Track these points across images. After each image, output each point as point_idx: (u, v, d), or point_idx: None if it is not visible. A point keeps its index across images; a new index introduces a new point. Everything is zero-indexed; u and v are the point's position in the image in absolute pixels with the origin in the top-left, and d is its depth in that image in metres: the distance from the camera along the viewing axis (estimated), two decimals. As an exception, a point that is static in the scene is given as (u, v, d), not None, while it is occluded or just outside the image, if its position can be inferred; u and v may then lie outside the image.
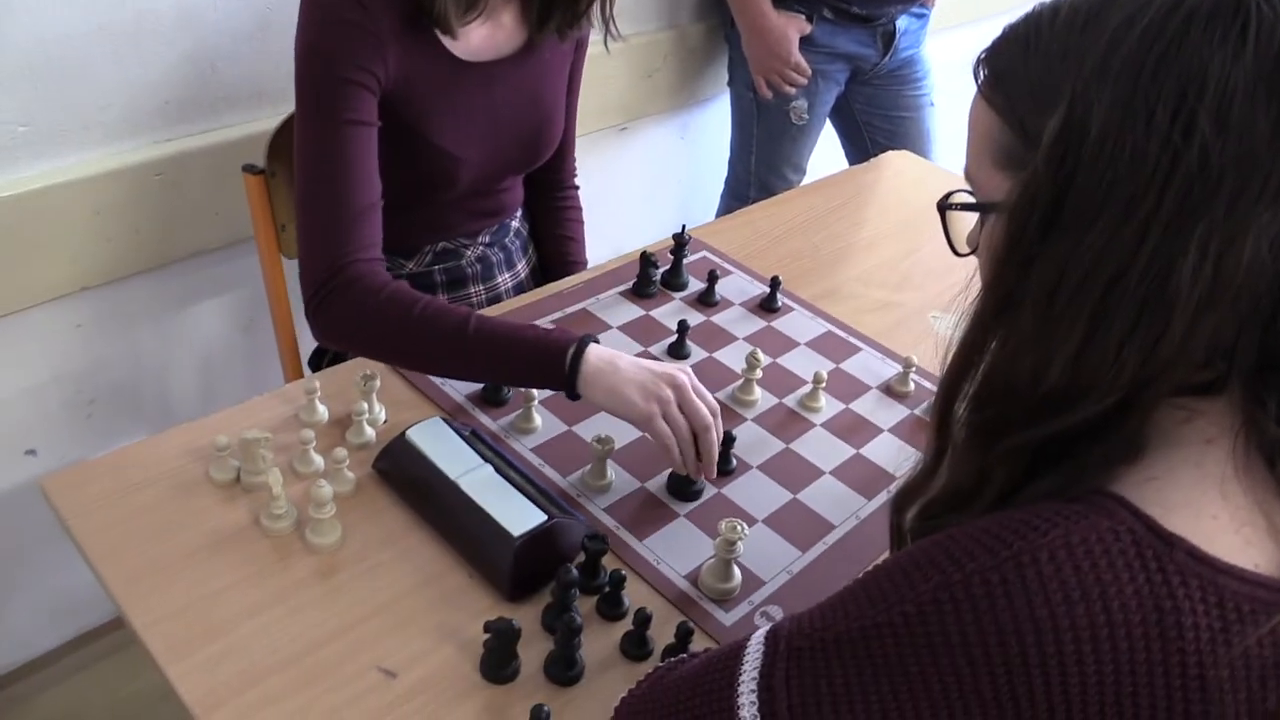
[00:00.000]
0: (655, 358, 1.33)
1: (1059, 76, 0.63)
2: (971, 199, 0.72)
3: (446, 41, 1.25)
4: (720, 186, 2.53)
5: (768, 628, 0.72)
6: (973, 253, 0.74)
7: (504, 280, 1.52)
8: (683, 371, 1.09)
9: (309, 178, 1.20)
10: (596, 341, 1.12)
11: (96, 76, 1.39)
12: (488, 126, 1.33)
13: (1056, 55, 0.64)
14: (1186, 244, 0.59)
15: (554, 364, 1.09)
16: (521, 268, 1.56)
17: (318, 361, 1.55)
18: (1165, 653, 0.57)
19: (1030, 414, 0.65)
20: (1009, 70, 0.68)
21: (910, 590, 0.63)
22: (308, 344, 1.58)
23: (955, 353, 0.70)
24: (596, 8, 1.30)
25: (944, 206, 0.75)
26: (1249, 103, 0.58)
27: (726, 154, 2.44)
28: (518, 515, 1.00)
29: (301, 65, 1.20)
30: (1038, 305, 0.63)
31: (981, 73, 0.70)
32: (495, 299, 1.49)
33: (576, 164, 1.58)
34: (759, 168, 2.37)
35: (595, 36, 1.40)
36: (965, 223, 0.75)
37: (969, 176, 0.72)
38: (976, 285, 0.70)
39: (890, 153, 2.04)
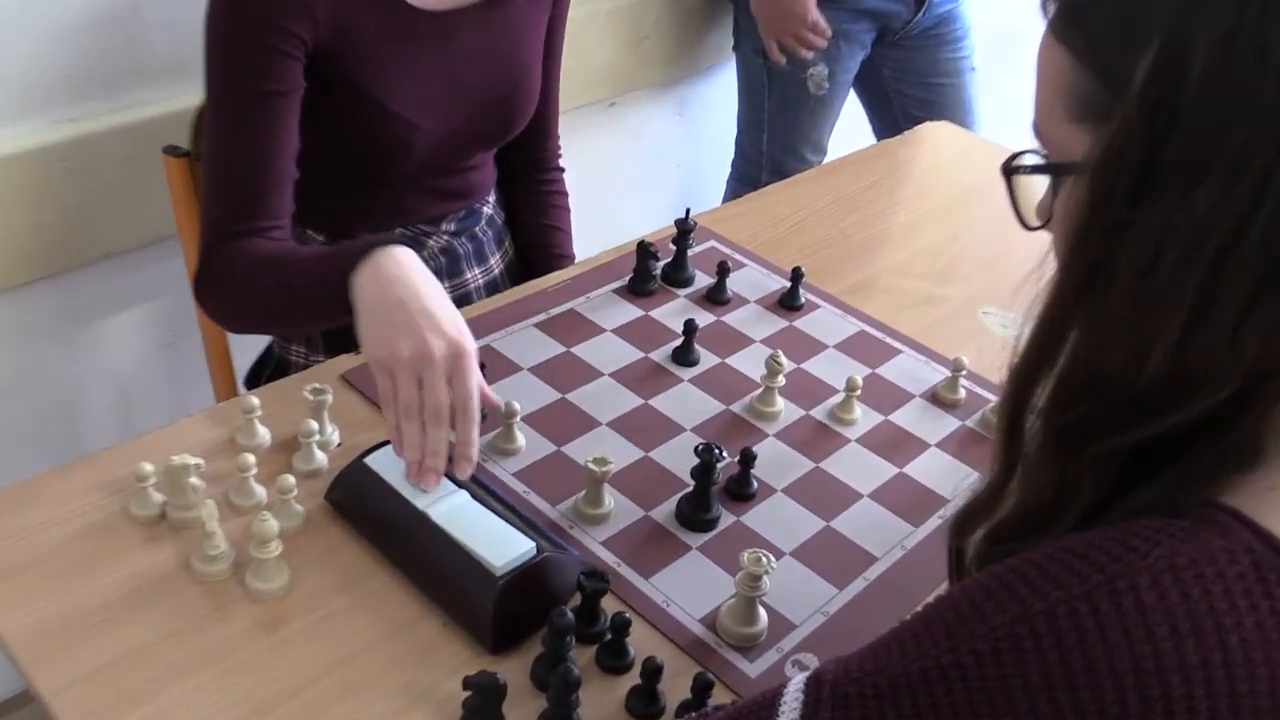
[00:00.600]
0: (658, 365, 1.33)
1: (1149, 7, 0.61)
2: (1043, 160, 0.71)
3: None
4: (725, 171, 2.53)
5: (808, 673, 0.70)
6: (1045, 225, 0.73)
7: (473, 277, 1.51)
8: (474, 353, 1.05)
9: (211, 146, 1.23)
10: (419, 249, 1.13)
11: (-12, 44, 1.38)
12: (448, 88, 1.32)
13: None
14: None
15: (340, 270, 1.10)
16: (495, 262, 1.55)
17: (256, 381, 1.53)
18: None
19: (1123, 414, 0.64)
20: (1086, 2, 0.66)
21: (982, 624, 0.61)
22: (244, 359, 1.57)
23: (1028, 344, 0.69)
24: None
25: (1010, 170, 0.73)
26: None
27: (732, 133, 2.44)
28: (500, 549, 0.99)
29: (210, 21, 1.21)
30: (1131, 283, 0.61)
31: (1050, 7, 0.69)
32: (463, 299, 1.49)
33: (560, 144, 1.58)
34: (772, 148, 2.38)
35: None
36: (1036, 190, 0.74)
37: (1039, 133, 0.71)
38: (1050, 266, 0.69)
39: (928, 124, 2.04)
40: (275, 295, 1.20)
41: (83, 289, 1.61)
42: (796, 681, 0.70)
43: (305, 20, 1.19)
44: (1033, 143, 0.72)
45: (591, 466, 1.09)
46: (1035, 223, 0.74)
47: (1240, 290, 0.59)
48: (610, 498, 1.12)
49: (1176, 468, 0.64)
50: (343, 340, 1.28)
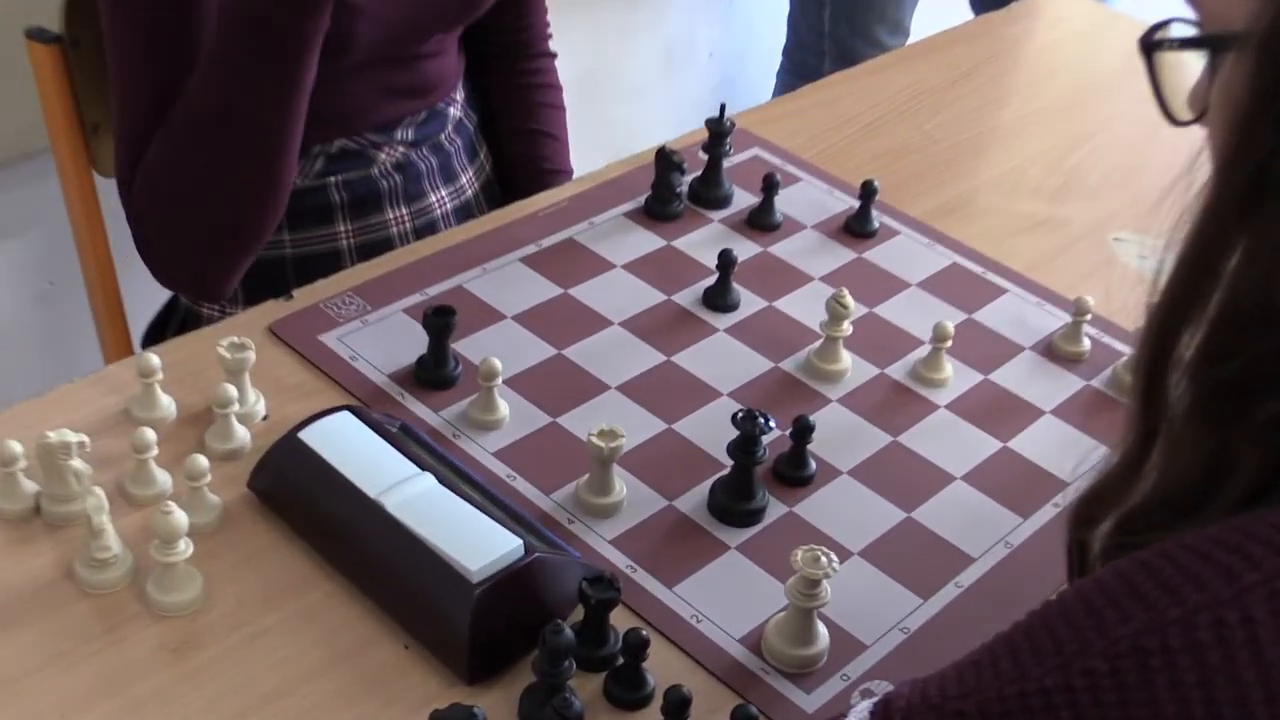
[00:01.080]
0: (685, 311, 1.34)
1: None
2: (1195, 32, 0.71)
3: None
4: (774, 61, 2.54)
5: (876, 698, 0.72)
6: (1199, 119, 0.74)
7: (440, 200, 1.53)
8: None
9: (119, 55, 1.26)
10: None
11: None
12: None
13: None
14: None
15: None
16: (467, 180, 1.57)
17: (158, 339, 1.55)
18: None
19: None
20: None
21: (1100, 636, 0.63)
22: (141, 310, 1.59)
23: (1173, 275, 0.70)
24: None
25: (1151, 45, 0.74)
26: None
27: (783, 10, 2.45)
28: (478, 548, 1.00)
29: None
30: None
31: None
32: (427, 227, 1.50)
33: (550, 22, 1.59)
34: (836, 27, 2.38)
35: None
36: (1186, 72, 0.75)
37: None
38: (1204, 170, 0.69)
39: (1041, -8, 2.05)
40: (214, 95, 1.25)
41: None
42: (860, 710, 0.72)
43: None
44: (1182, 8, 0.73)
45: (596, 441, 1.10)
46: (1186, 115, 0.75)
47: None
48: (621, 482, 1.14)
49: None
50: (268, 283, 1.30)
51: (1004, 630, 0.69)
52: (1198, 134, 0.73)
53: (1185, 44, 0.72)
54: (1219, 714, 0.59)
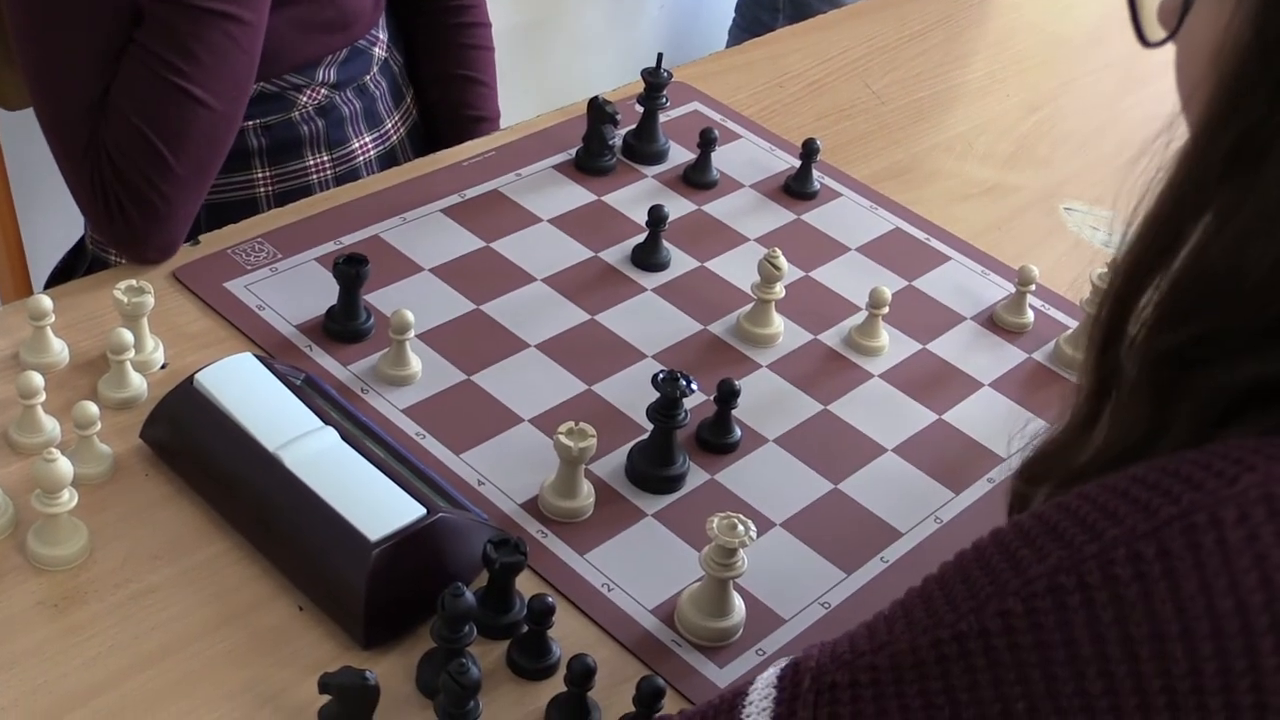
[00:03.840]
0: (612, 268, 1.34)
1: None
2: None
3: None
4: (728, 15, 2.54)
5: (784, 662, 0.72)
6: (1170, 38, 0.73)
7: (362, 146, 1.53)
8: None
9: (46, 17, 1.23)
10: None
11: None
12: None
13: None
14: None
15: None
16: (392, 126, 1.57)
17: (66, 279, 1.54)
18: None
19: (1256, 336, 0.65)
20: None
21: (1016, 576, 0.63)
22: (43, 251, 1.58)
23: (1141, 231, 0.70)
24: None
25: None
26: None
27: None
28: (378, 508, 1.00)
29: None
30: None
31: None
32: (349, 174, 1.50)
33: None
34: (792, -21, 2.38)
35: None
36: None
37: None
38: (1181, 127, 0.70)
39: (1005, -52, 2.05)
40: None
41: None
42: (768, 675, 0.72)
43: None
44: None
45: (564, 441, 1.08)
46: (1158, 35, 0.74)
47: None
48: (589, 485, 1.12)
49: None
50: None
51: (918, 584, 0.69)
52: (1155, 105, 0.72)
53: None
54: (1134, 651, 0.59)
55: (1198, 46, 0.70)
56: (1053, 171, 1.57)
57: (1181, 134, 0.69)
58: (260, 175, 1.46)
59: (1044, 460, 0.79)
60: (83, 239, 1.54)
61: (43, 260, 1.59)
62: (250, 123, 1.43)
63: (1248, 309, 0.65)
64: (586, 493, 1.11)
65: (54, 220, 1.42)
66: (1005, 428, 1.22)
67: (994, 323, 1.35)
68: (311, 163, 1.49)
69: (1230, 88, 0.65)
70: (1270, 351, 0.65)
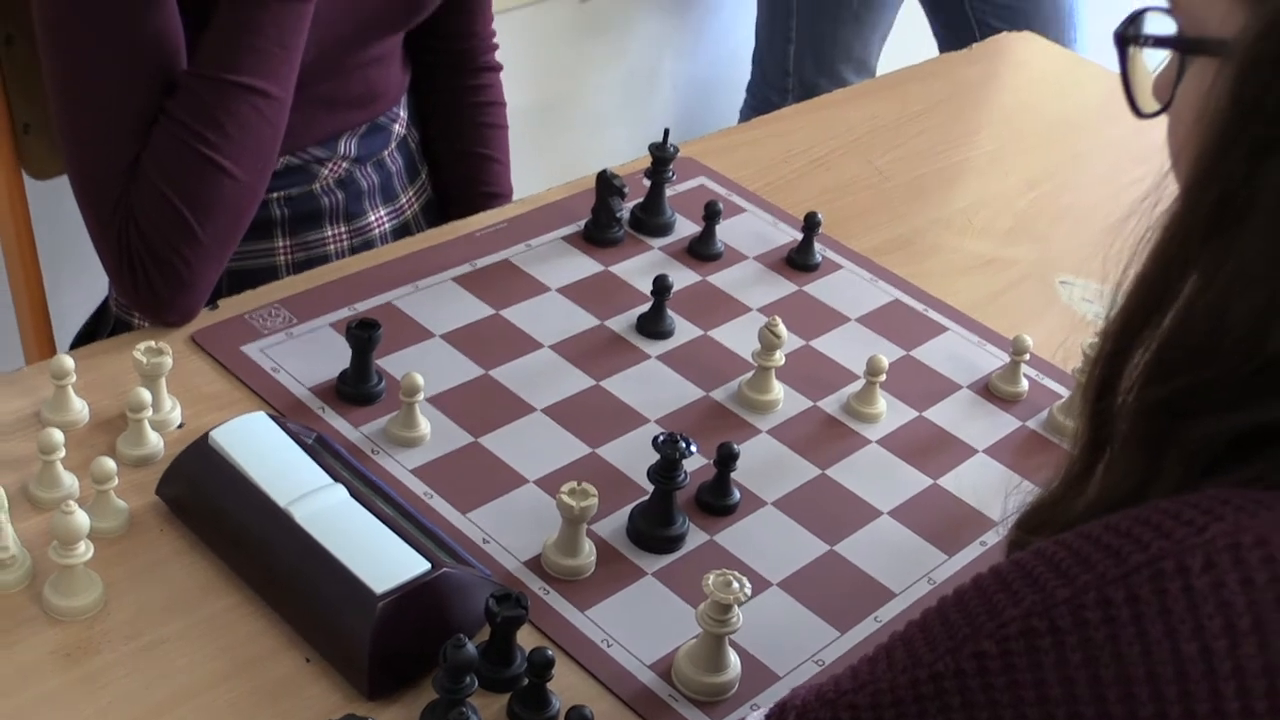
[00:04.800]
0: (618, 336, 1.36)
1: None
2: (1173, 32, 0.72)
3: None
4: (739, 96, 2.56)
5: (771, 704, 0.74)
6: (1164, 110, 0.75)
7: (379, 219, 1.55)
8: None
9: (74, 79, 1.25)
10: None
11: None
12: None
13: None
14: None
15: None
16: (407, 201, 1.59)
17: (90, 341, 1.56)
18: None
19: (1240, 389, 0.66)
20: None
21: (991, 619, 0.65)
22: (68, 313, 1.60)
23: (1131, 292, 0.72)
24: None
25: (1127, 36, 0.76)
26: None
27: (748, 44, 2.47)
28: (384, 563, 1.01)
29: None
30: (1275, 219, 0.64)
31: None
32: (364, 245, 1.52)
33: (497, 35, 1.60)
34: (801, 65, 2.41)
35: None
36: (1156, 62, 0.76)
37: None
38: (1170, 189, 0.71)
39: (1006, 34, 2.07)
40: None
41: None
42: (756, 715, 0.74)
43: None
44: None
45: (566, 500, 1.08)
46: (1151, 107, 0.76)
47: None
48: (590, 544, 1.12)
49: (1276, 448, 0.66)
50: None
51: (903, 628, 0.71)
52: (1152, 176, 0.73)
53: (1161, 42, 0.73)
54: (1102, 693, 0.61)
55: (1184, 113, 0.71)
56: (1049, 246, 1.58)
57: (1168, 195, 0.70)
58: (281, 245, 1.48)
59: (1041, 510, 0.80)
60: (106, 301, 1.56)
61: (68, 323, 1.61)
62: (273, 194, 1.45)
63: (1232, 362, 0.67)
64: (588, 551, 1.12)
65: (80, 284, 1.44)
66: (998, 493, 1.24)
67: (989, 391, 1.36)
68: (330, 234, 1.51)
69: (1211, 151, 0.67)
70: (1254, 402, 0.66)
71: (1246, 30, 0.65)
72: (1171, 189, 0.71)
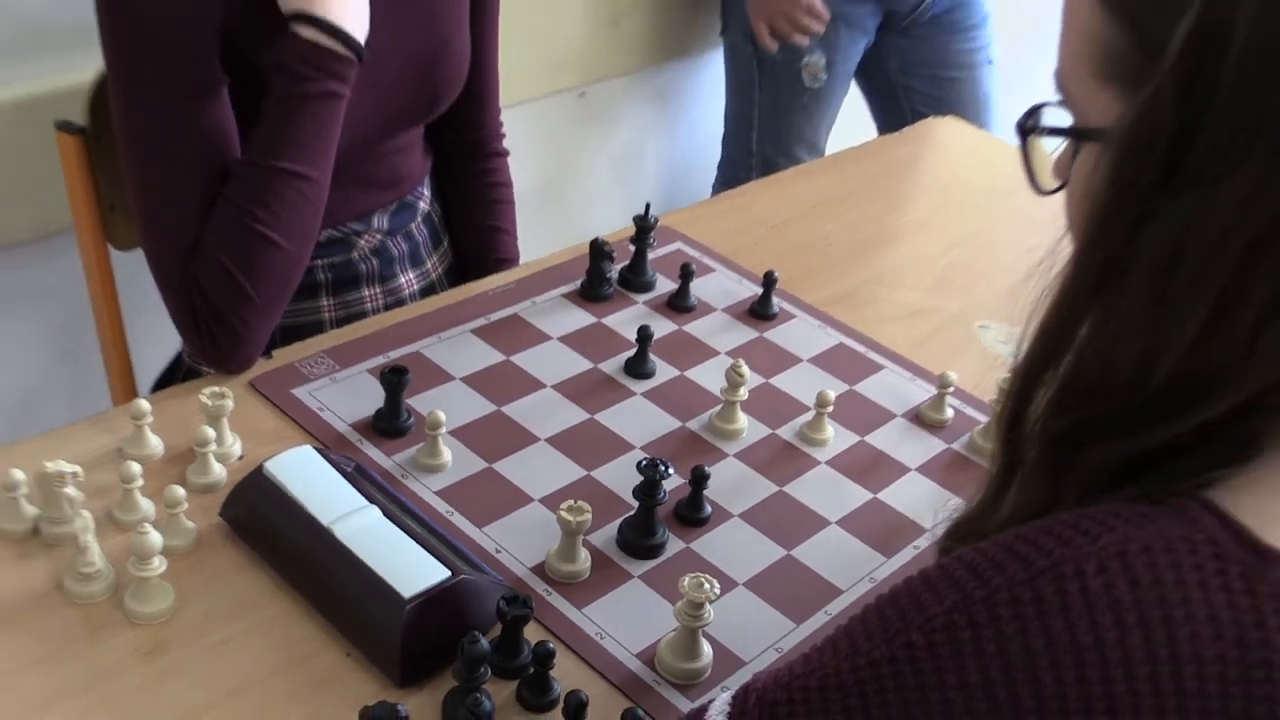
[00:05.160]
0: (608, 377, 1.35)
1: None
2: (1065, 124, 0.72)
3: None
4: (711, 173, 2.57)
5: (738, 686, 0.74)
6: (1061, 188, 0.75)
7: (408, 282, 1.54)
8: None
9: (147, 170, 1.26)
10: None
11: None
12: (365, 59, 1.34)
13: None
14: None
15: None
16: (432, 265, 1.58)
17: (166, 386, 1.55)
18: (1248, 699, 0.58)
19: (1128, 420, 0.66)
20: None
21: (919, 614, 0.65)
22: (148, 363, 1.60)
23: (1033, 340, 0.72)
24: None
25: (1026, 129, 0.75)
26: None
27: (719, 129, 2.48)
28: (411, 571, 1.01)
29: (107, 21, 1.23)
30: (1150, 276, 0.64)
31: None
32: (396, 303, 1.51)
33: (505, 125, 1.61)
34: (762, 146, 2.42)
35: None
36: (1054, 147, 0.76)
37: (1061, 87, 0.72)
38: (1064, 250, 0.71)
39: (932, 119, 2.08)
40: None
41: (-31, 287, 1.64)
42: (724, 696, 0.74)
43: (213, 7, 1.22)
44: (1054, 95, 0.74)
45: (565, 516, 1.08)
46: (1049, 186, 0.76)
47: (1264, 294, 0.61)
48: (586, 553, 1.12)
49: (1162, 467, 0.66)
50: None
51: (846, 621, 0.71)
52: (1053, 236, 0.73)
53: (1054, 132, 0.73)
54: (1013, 676, 0.61)
55: (1075, 189, 0.72)
56: (968, 297, 1.58)
57: (1063, 258, 0.70)
58: (325, 303, 1.48)
59: (966, 523, 0.80)
60: (180, 353, 1.56)
61: (148, 371, 1.61)
62: (318, 261, 1.45)
63: (1120, 398, 0.67)
64: (584, 559, 1.12)
65: (159, 338, 1.44)
66: (929, 505, 1.24)
67: (919, 419, 1.36)
68: (367, 294, 1.51)
69: (1097, 222, 0.67)
70: (1139, 431, 0.66)
71: (1122, 120, 0.65)
72: (1066, 252, 0.71)
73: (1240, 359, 0.62)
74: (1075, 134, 0.72)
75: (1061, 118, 0.73)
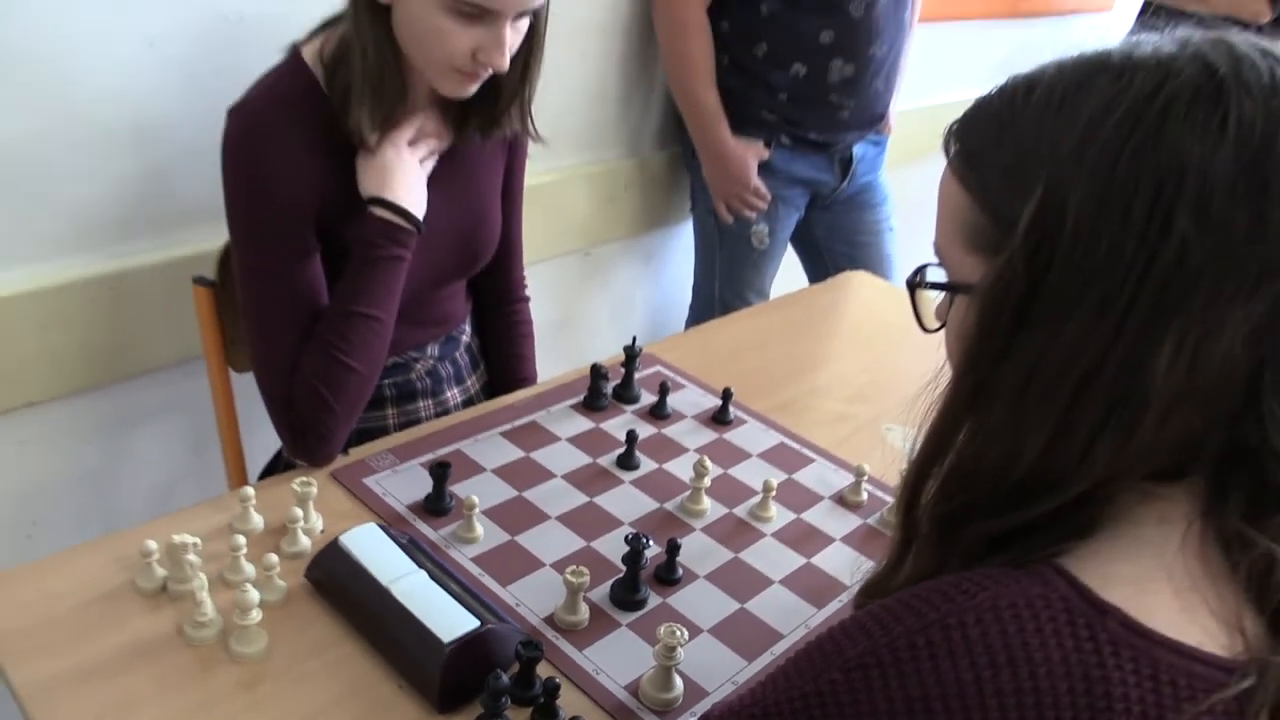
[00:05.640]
0: (604, 469, 1.34)
1: (1033, 160, 0.62)
2: (942, 280, 0.73)
3: None
4: (684, 312, 2.57)
5: (702, 713, 0.73)
6: (940, 328, 0.75)
7: (453, 395, 1.53)
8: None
9: (258, 314, 1.26)
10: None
11: (50, 188, 1.42)
12: (424, 228, 1.35)
13: (1030, 137, 0.63)
14: (1162, 339, 0.58)
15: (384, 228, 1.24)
16: (472, 383, 1.57)
17: (270, 474, 1.53)
18: None
19: (996, 505, 0.66)
20: (981, 148, 0.67)
21: (839, 657, 0.63)
22: (256, 459, 1.58)
23: (923, 443, 0.71)
24: (517, 109, 1.33)
25: (914, 284, 0.75)
26: (1228, 197, 0.57)
27: (691, 279, 2.48)
28: (450, 621, 0.98)
29: (231, 203, 1.23)
30: (1009, 396, 0.63)
31: (952, 146, 0.70)
32: (443, 413, 1.50)
33: (527, 278, 1.61)
34: (723, 291, 2.41)
35: (559, 165, 1.43)
36: (935, 296, 0.76)
37: (939, 253, 0.72)
38: (946, 374, 0.71)
39: (849, 272, 2.09)
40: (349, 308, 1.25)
41: (123, 399, 1.62)
42: None
43: (305, 188, 1.22)
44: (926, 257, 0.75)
45: (570, 578, 1.06)
46: (932, 326, 0.76)
47: (1096, 410, 0.61)
48: (585, 606, 1.09)
49: (1023, 540, 0.65)
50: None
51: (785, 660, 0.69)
52: (937, 364, 0.73)
53: (935, 287, 0.73)
54: (912, 707, 0.59)
55: (951, 330, 0.72)
56: (878, 407, 1.57)
57: (944, 380, 0.70)
58: (390, 413, 1.47)
59: (875, 583, 0.78)
60: (280, 451, 1.55)
61: (256, 464, 1.59)
62: (385, 380, 1.44)
63: (987, 489, 0.66)
64: (584, 611, 1.09)
65: (264, 440, 1.43)
66: (850, 567, 1.22)
67: (842, 500, 1.34)
68: (421, 405, 1.49)
69: (967, 355, 0.67)
70: (1003, 514, 0.66)
71: (985, 279, 0.65)
72: (947, 375, 0.70)
73: (1077, 462, 0.62)
74: (950, 288, 0.72)
75: (940, 275, 0.73)
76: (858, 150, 2.27)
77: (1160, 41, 0.63)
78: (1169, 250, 0.58)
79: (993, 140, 0.66)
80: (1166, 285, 0.58)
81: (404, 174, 1.25)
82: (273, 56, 1.30)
